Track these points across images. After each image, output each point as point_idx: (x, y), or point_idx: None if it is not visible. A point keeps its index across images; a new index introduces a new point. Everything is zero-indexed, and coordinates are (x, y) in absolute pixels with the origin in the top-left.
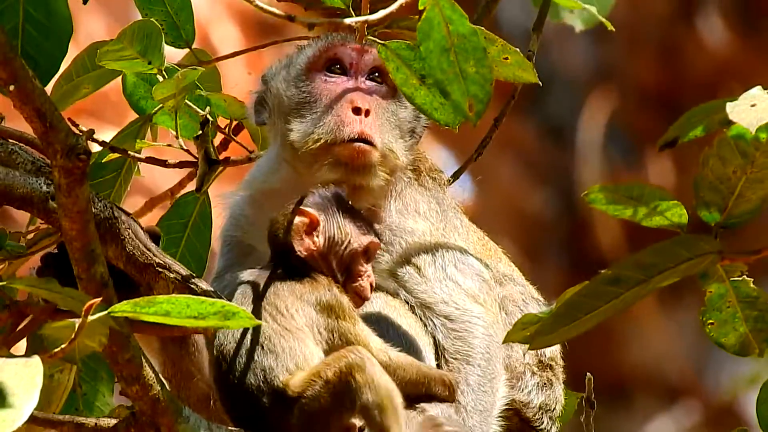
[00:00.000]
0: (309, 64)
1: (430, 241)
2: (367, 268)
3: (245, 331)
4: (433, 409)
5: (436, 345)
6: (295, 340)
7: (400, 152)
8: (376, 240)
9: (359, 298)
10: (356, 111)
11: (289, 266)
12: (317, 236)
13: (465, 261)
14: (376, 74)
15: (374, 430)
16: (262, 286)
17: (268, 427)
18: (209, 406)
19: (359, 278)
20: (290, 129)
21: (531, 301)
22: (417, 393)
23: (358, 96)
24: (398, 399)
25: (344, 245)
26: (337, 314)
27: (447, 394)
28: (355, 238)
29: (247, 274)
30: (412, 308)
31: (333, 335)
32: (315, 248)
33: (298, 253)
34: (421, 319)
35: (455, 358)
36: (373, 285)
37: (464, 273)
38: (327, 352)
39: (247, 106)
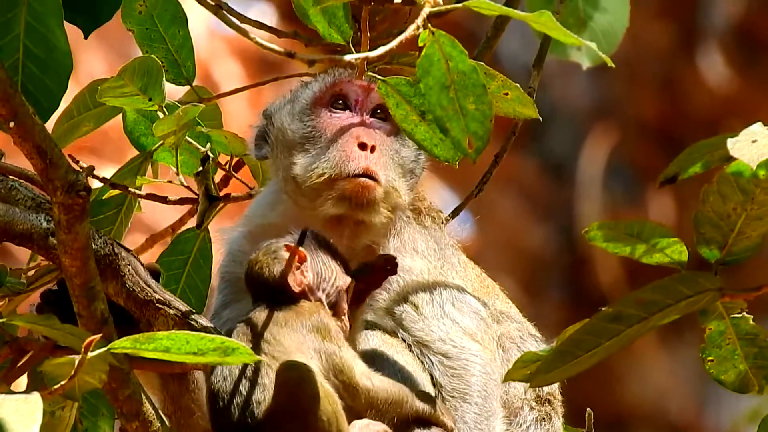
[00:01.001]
0: (315, 99)
1: (428, 280)
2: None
3: (235, 366)
4: None
5: (434, 383)
6: None
7: (403, 190)
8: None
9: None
10: (362, 146)
11: (274, 301)
12: (306, 271)
13: (462, 299)
14: (380, 111)
15: None
16: (252, 323)
17: None
18: None
19: (343, 316)
20: (294, 163)
21: (528, 338)
22: (404, 416)
23: (363, 132)
24: (340, 409)
25: (330, 282)
26: (323, 336)
27: (435, 419)
28: (340, 275)
29: (239, 313)
30: (409, 346)
31: (321, 356)
32: (306, 283)
33: (292, 287)
34: (418, 357)
35: (452, 396)
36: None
37: (462, 311)
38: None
39: (247, 141)
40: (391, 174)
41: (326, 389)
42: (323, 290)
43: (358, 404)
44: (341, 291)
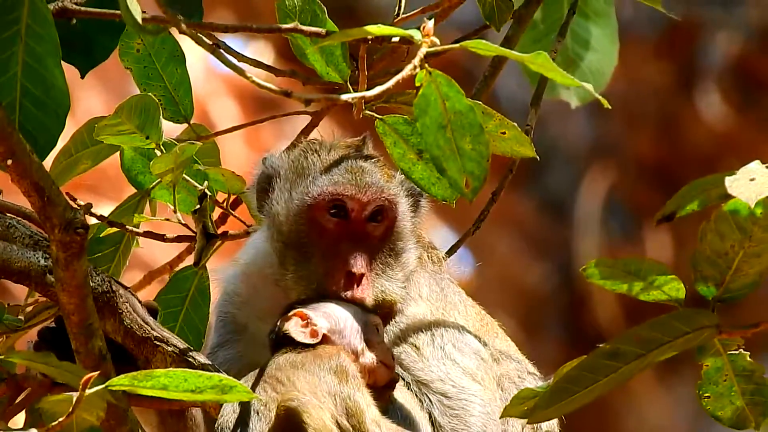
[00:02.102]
0: (311, 205)
1: (430, 321)
2: (378, 344)
3: (245, 406)
4: None
5: (433, 423)
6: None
7: (394, 291)
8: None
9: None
10: (350, 275)
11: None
12: (314, 325)
13: (463, 340)
14: (377, 214)
15: None
16: (271, 364)
17: None
18: None
19: (368, 359)
20: (285, 267)
21: (527, 377)
22: None
23: (355, 259)
24: None
25: (349, 328)
26: (340, 378)
27: None
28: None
29: (235, 353)
30: (408, 385)
31: (335, 399)
32: (322, 332)
33: (307, 340)
34: (417, 396)
35: None
36: (389, 364)
37: (462, 351)
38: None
39: (248, 191)
40: (380, 285)
41: (329, 426)
42: (342, 335)
43: None
44: (362, 335)
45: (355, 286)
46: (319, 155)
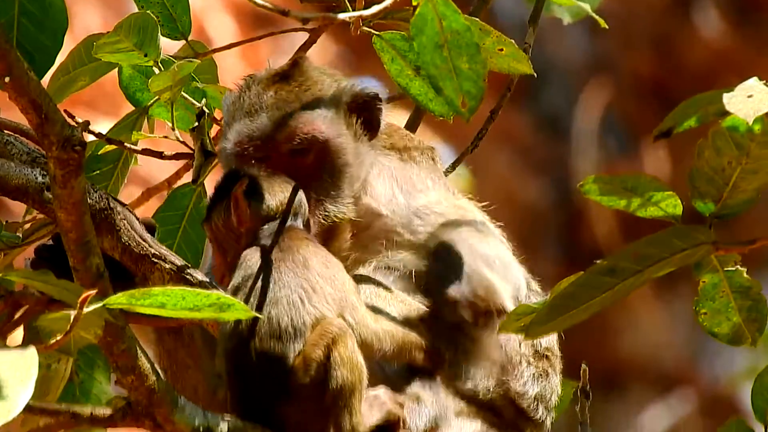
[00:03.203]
0: (232, 153)
1: (445, 206)
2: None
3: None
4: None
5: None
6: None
7: (340, 210)
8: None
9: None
10: None
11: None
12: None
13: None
14: (299, 148)
15: (340, 411)
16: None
17: (274, 417)
18: (205, 396)
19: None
20: None
21: (531, 294)
22: (404, 360)
23: None
24: (365, 380)
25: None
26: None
27: (426, 363)
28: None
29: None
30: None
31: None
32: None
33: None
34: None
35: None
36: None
37: (486, 236)
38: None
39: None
40: (323, 212)
41: (355, 358)
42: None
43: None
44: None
45: None
46: (244, 96)
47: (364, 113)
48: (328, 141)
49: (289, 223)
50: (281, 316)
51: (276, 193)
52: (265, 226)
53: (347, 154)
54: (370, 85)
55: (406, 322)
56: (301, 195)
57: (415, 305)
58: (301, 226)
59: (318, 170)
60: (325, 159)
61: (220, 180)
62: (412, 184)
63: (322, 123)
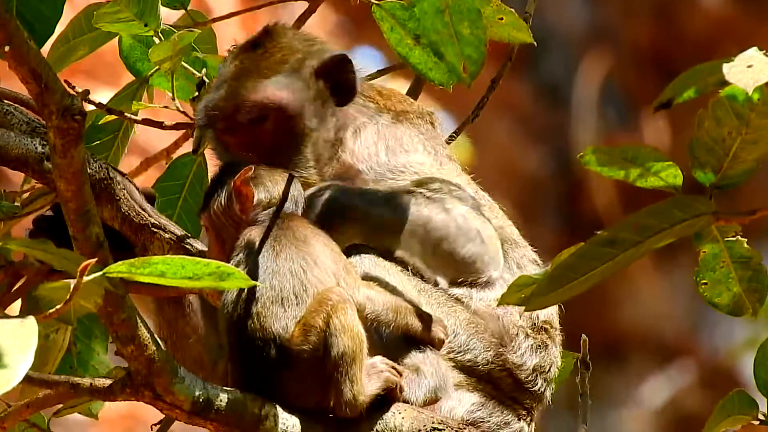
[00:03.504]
0: (202, 126)
1: (430, 170)
2: None
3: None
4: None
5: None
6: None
7: (305, 173)
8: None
9: None
10: None
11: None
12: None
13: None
14: (260, 119)
15: (342, 379)
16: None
17: (274, 387)
18: (205, 367)
19: None
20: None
21: (529, 264)
22: (399, 329)
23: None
24: (366, 349)
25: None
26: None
27: (425, 332)
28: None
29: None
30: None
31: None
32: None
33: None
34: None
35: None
36: None
37: (462, 200)
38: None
39: None
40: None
41: (355, 326)
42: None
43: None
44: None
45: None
46: (221, 67)
47: (335, 77)
48: (284, 107)
49: (288, 209)
50: (283, 284)
51: (277, 182)
52: (263, 212)
53: (307, 119)
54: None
55: (405, 293)
56: (298, 184)
57: (414, 279)
58: (299, 213)
59: (278, 137)
60: (283, 126)
61: (217, 170)
62: (399, 144)
63: (276, 90)
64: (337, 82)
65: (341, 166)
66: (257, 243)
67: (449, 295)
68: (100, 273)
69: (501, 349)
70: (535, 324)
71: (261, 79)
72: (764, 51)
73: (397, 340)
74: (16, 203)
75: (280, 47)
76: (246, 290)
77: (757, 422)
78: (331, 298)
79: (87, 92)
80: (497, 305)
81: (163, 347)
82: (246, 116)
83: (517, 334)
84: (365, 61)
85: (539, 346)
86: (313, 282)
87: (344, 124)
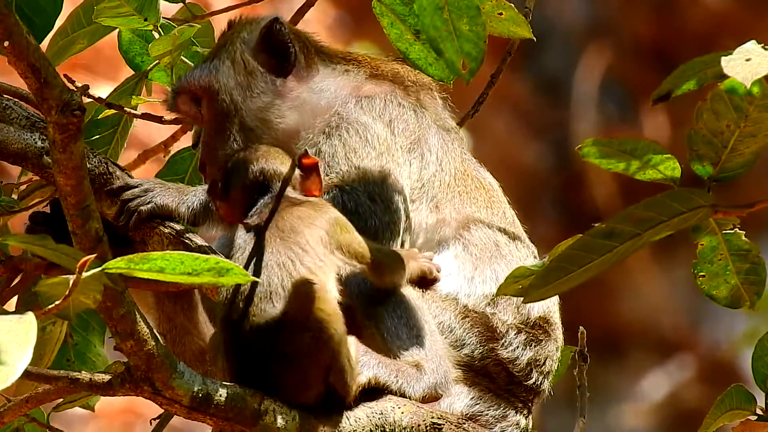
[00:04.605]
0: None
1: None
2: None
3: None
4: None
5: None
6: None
7: (227, 150)
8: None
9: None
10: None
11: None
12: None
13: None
14: (193, 104)
15: (341, 362)
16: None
17: (269, 382)
18: (204, 362)
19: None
20: None
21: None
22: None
23: (201, 147)
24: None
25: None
26: (343, 228)
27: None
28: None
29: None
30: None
31: (342, 248)
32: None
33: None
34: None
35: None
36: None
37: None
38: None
39: None
40: (213, 156)
41: (337, 311)
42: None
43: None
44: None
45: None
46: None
47: (274, 46)
48: (207, 89)
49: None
50: (271, 278)
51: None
52: (254, 209)
53: (234, 95)
54: None
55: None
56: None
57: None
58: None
59: (212, 117)
60: (213, 106)
61: (236, 156)
62: (368, 100)
63: (200, 73)
64: (278, 48)
65: (284, 132)
66: (245, 243)
67: (439, 294)
68: (100, 268)
69: (493, 344)
70: (528, 319)
71: (197, 66)
72: (763, 44)
73: (401, 338)
74: (13, 196)
75: (229, 33)
76: (239, 287)
77: (755, 417)
78: (312, 290)
79: (86, 87)
80: (496, 295)
81: (162, 342)
82: (184, 106)
83: (507, 331)
84: None
85: (532, 340)
86: (303, 273)
87: (290, 88)
